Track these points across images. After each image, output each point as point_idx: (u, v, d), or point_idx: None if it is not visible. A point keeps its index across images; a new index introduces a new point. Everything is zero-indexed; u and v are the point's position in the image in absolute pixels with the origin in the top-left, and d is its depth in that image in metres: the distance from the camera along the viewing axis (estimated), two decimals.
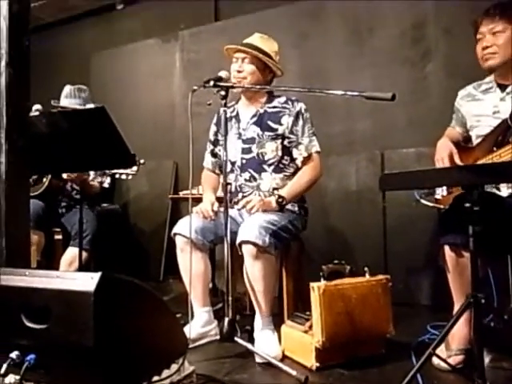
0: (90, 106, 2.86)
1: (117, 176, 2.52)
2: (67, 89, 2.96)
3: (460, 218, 1.57)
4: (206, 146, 2.41)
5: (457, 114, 2.02)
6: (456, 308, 1.65)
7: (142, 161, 2.43)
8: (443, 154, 1.84)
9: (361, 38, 3.11)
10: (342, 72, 3.14)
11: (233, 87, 1.97)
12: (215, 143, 2.35)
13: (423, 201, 1.96)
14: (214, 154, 2.37)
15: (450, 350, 1.68)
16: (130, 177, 2.50)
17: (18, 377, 1.24)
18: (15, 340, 1.25)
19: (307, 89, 1.90)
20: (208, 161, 2.39)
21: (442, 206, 1.90)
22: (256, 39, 2.21)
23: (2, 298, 1.29)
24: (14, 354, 1.23)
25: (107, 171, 2.65)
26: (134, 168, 2.44)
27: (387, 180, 1.65)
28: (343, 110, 3.11)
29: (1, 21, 1.67)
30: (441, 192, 1.93)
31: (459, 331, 1.67)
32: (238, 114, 2.26)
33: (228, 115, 2.19)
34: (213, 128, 2.38)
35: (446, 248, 1.70)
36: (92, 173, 2.76)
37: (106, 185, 2.84)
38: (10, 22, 1.67)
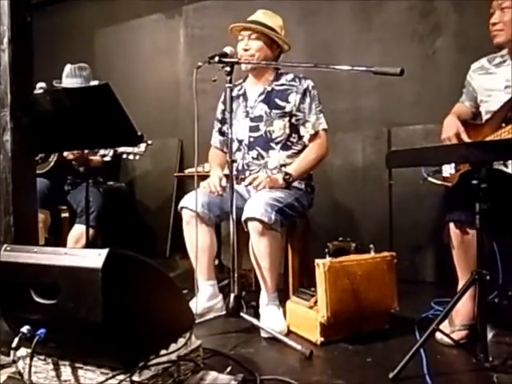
0: (93, 83, 2.84)
1: (124, 156, 2.50)
2: (68, 68, 2.93)
3: (465, 195, 1.56)
4: (214, 124, 2.40)
5: (467, 87, 1.98)
6: (460, 285, 1.66)
7: (149, 142, 2.41)
8: (450, 132, 1.78)
9: (368, 12, 3.03)
10: (348, 47, 3.08)
11: (238, 63, 1.95)
12: (223, 121, 2.34)
13: (431, 179, 1.94)
14: (221, 133, 2.37)
15: (453, 326, 1.70)
16: (137, 157, 2.47)
17: (29, 350, 1.27)
18: (26, 315, 1.28)
19: (313, 64, 1.87)
20: (216, 139, 2.39)
21: (449, 184, 1.88)
22: (260, 15, 2.19)
23: (11, 275, 1.32)
24: (25, 329, 1.26)
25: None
26: (142, 148, 2.41)
27: (394, 157, 1.64)
28: (350, 86, 3.06)
29: None
30: (448, 170, 1.91)
31: (463, 307, 1.68)
32: (245, 92, 2.26)
33: (235, 93, 2.20)
34: (220, 106, 2.37)
35: (451, 225, 1.70)
36: None
37: (107, 158, 2.83)
38: None
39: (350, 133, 3.05)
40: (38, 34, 1.80)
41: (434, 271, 2.75)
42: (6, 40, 1.65)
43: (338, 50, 3.10)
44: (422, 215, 2.76)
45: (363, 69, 1.65)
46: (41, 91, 2.49)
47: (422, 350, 1.49)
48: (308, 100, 2.13)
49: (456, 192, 1.72)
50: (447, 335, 1.57)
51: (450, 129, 1.80)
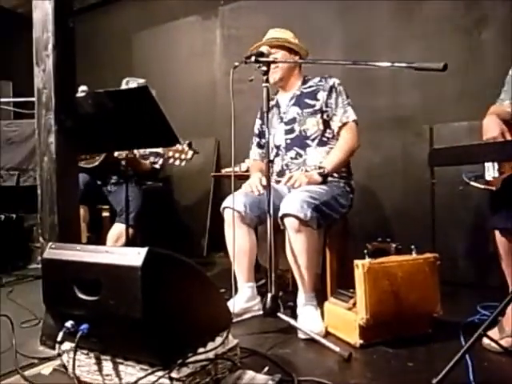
0: (133, 85, 2.91)
1: (170, 161, 2.55)
2: (124, 83, 2.98)
3: (510, 200, 1.48)
4: (252, 139, 2.49)
5: (510, 84, 1.87)
6: (511, 289, 1.57)
7: (197, 150, 2.47)
8: (494, 133, 1.66)
9: (409, 6, 2.94)
10: (388, 43, 3.00)
11: (274, 62, 1.97)
12: (261, 135, 2.44)
13: (473, 183, 1.86)
14: (260, 146, 2.46)
15: (503, 332, 1.61)
16: (183, 163, 2.51)
17: (73, 344, 1.31)
18: (69, 310, 1.32)
19: (352, 61, 1.84)
20: (255, 153, 2.48)
21: (493, 188, 1.78)
22: (272, 33, 2.33)
23: (56, 271, 1.36)
24: (69, 324, 1.30)
25: (161, 152, 2.69)
26: (189, 155, 2.47)
27: (436, 155, 1.58)
28: (390, 83, 2.98)
29: (46, 4, 1.71)
30: (492, 173, 1.81)
31: None
32: (277, 102, 2.36)
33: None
34: (257, 122, 2.48)
35: (497, 233, 1.62)
36: (148, 151, 2.81)
37: (157, 166, 2.90)
38: (55, 5, 1.71)
39: (391, 131, 2.96)
40: (78, 39, 1.86)
41: (479, 273, 2.63)
42: (50, 46, 1.71)
43: (377, 46, 3.03)
44: (466, 215, 2.65)
45: (404, 65, 1.60)
46: (83, 94, 2.57)
47: (467, 356, 1.43)
48: (334, 95, 2.19)
49: (499, 198, 1.63)
50: (495, 341, 1.49)
51: (494, 129, 1.68)
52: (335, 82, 2.21)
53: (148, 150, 2.79)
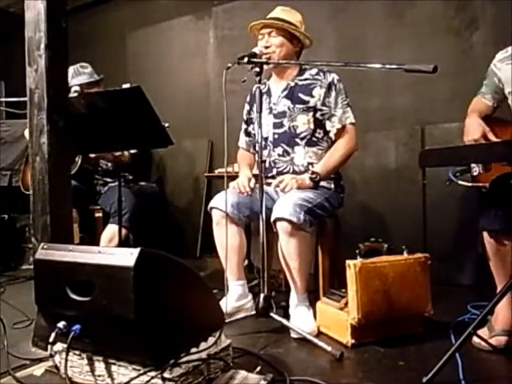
0: (96, 77, 2.97)
1: None
2: (71, 70, 2.97)
3: (499, 202, 1.50)
4: (241, 125, 2.41)
5: (491, 78, 1.86)
6: (499, 289, 1.59)
7: (166, 124, 2.40)
8: (476, 135, 1.69)
9: (401, 7, 2.96)
10: (380, 44, 3.02)
11: (267, 63, 1.96)
12: (248, 122, 2.36)
13: (461, 182, 1.87)
14: (247, 133, 2.38)
15: (492, 331, 1.64)
16: None
17: (65, 345, 1.31)
18: (62, 311, 1.32)
19: (344, 62, 1.86)
20: (242, 140, 2.40)
21: (480, 184, 1.80)
22: (278, 12, 2.18)
23: (48, 272, 1.36)
24: (61, 324, 1.30)
25: None
26: None
27: (427, 156, 1.59)
28: (381, 84, 3.00)
29: (39, 4, 1.71)
30: (478, 169, 1.82)
31: (503, 312, 1.62)
32: (269, 89, 2.24)
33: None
34: (246, 107, 2.38)
35: (485, 234, 1.64)
36: None
37: (133, 150, 2.87)
38: (47, 4, 1.70)
39: (383, 132, 2.99)
40: (72, 38, 1.85)
41: (470, 274, 2.65)
42: (42, 46, 1.70)
43: (369, 46, 3.05)
44: (457, 216, 2.68)
45: (394, 66, 1.62)
46: (75, 95, 2.56)
47: (457, 355, 1.45)
48: (333, 94, 2.09)
49: (488, 199, 1.65)
50: (485, 340, 1.52)
51: (476, 130, 1.70)
52: (334, 77, 2.10)
53: None
